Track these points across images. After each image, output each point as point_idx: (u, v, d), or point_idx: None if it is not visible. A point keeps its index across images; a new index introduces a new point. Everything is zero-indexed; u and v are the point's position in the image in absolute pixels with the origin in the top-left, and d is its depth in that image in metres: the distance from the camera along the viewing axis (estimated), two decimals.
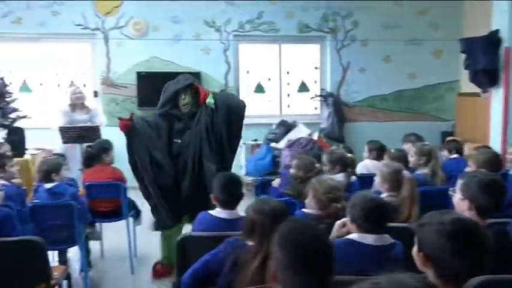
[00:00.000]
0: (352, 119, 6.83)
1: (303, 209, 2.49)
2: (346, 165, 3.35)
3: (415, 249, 1.42)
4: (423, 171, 3.46)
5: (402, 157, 3.57)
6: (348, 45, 6.77)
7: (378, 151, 4.10)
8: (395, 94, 6.89)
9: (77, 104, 5.40)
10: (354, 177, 3.40)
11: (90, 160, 4.23)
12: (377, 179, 2.82)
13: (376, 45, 6.74)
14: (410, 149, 3.91)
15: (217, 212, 2.41)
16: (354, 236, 1.97)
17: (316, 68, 6.98)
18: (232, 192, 2.41)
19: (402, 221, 2.47)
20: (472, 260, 1.32)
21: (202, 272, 1.92)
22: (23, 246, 2.49)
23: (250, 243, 1.84)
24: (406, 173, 2.80)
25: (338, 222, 2.12)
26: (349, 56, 6.78)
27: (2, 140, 5.12)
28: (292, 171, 3.16)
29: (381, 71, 6.79)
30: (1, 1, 6.17)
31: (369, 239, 1.93)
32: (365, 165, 4.11)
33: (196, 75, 6.47)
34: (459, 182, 2.12)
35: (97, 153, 4.15)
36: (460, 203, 2.08)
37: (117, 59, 6.49)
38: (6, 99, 5.76)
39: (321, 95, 6.87)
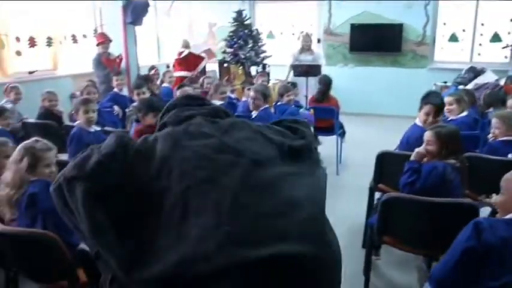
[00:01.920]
0: None
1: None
2: None
3: None
4: None
5: None
6: None
7: None
8: None
9: (305, 47, 7.34)
10: None
11: (322, 93, 5.36)
12: None
13: None
14: None
15: None
16: None
17: (511, 20, 7.70)
18: None
19: None
20: None
21: None
22: None
23: None
24: None
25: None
26: None
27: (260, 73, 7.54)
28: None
29: None
30: None
31: None
32: None
33: (399, 26, 7.99)
34: None
35: (326, 88, 5.36)
36: None
37: (337, 13, 8.38)
38: (258, 43, 8.26)
39: None
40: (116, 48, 6.71)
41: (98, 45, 6.41)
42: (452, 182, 2.41)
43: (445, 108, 3.83)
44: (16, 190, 2.13)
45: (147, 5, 7.14)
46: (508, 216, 1.73)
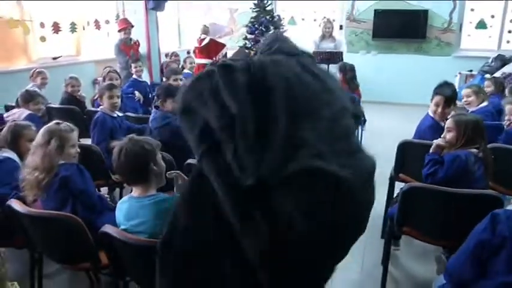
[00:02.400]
0: None
1: None
2: None
3: None
4: None
5: None
6: None
7: None
8: None
9: (326, 34, 7.24)
10: None
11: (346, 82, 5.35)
12: None
13: None
14: None
15: None
16: None
17: None
18: None
19: None
20: None
21: None
22: None
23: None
24: None
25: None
26: None
27: None
28: None
29: None
30: None
31: None
32: None
33: (424, 12, 7.79)
34: None
35: (347, 72, 5.44)
36: None
37: None
38: (280, 29, 8.18)
39: None
40: (138, 34, 6.75)
41: (119, 31, 6.46)
42: (475, 173, 2.37)
43: (463, 100, 3.92)
44: (46, 173, 2.15)
45: None
46: None
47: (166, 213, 1.75)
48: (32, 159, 2.21)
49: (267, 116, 0.97)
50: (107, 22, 7.05)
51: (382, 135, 5.83)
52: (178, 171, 2.05)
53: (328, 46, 7.03)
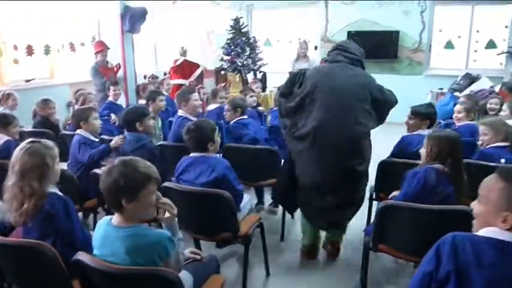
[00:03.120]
0: None
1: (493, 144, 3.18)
2: None
3: None
4: None
5: None
6: None
7: None
8: None
9: (301, 54, 7.32)
10: None
11: None
12: None
13: None
14: None
15: None
16: None
17: (506, 26, 7.77)
18: None
19: None
20: None
21: None
22: (267, 152, 3.61)
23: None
24: None
25: None
26: None
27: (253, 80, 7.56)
28: None
29: None
30: None
31: None
32: None
33: (395, 33, 8.05)
34: None
35: None
36: None
37: (334, 21, 8.44)
38: (256, 51, 8.30)
39: (508, 52, 7.71)
40: (114, 57, 6.73)
41: (96, 53, 6.42)
42: (438, 188, 2.38)
43: (454, 115, 4.09)
44: (36, 200, 1.99)
45: (145, 12, 7.18)
46: (482, 232, 1.47)
47: (140, 250, 1.67)
48: (17, 186, 2.02)
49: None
50: (82, 44, 7.02)
51: None
52: (164, 201, 1.85)
53: (302, 66, 7.04)
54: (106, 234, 1.75)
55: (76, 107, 4.70)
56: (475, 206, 1.55)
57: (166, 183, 2.55)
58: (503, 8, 7.73)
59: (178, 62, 7.39)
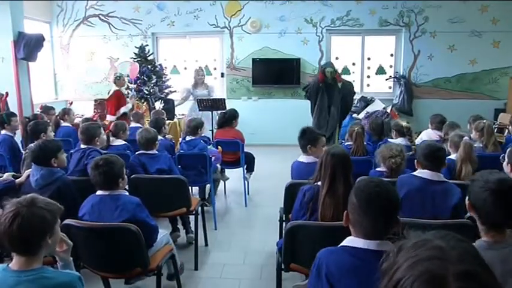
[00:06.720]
0: (420, 97, 8.44)
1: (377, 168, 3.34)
2: (403, 132, 4.47)
3: (467, 198, 1.71)
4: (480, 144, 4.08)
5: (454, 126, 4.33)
6: (419, 37, 8.35)
7: (439, 123, 4.85)
8: (457, 77, 8.37)
9: (199, 81, 7.22)
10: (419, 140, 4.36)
11: (222, 123, 5.33)
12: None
13: (442, 36, 8.25)
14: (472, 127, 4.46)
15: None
16: (416, 172, 2.69)
17: (391, 55, 8.67)
18: None
19: (458, 176, 3.12)
20: (508, 212, 1.54)
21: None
22: (176, 182, 3.53)
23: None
24: (466, 138, 3.40)
25: None
26: (419, 45, 8.36)
27: (160, 108, 7.45)
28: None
29: (446, 58, 8.29)
30: (161, 10, 8.65)
31: (426, 174, 2.62)
32: (427, 133, 5.01)
33: (297, 60, 8.54)
34: (508, 150, 2.70)
35: (229, 118, 5.26)
36: (505, 166, 2.65)
37: (239, 49, 8.71)
38: (163, 79, 8.20)
39: (395, 77, 8.58)
40: (8, 86, 6.25)
41: None
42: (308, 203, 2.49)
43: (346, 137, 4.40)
44: None
45: (42, 39, 6.80)
46: (346, 242, 1.60)
47: None
48: None
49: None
50: None
51: (268, 176, 6.13)
52: (62, 234, 1.81)
53: (203, 93, 7.09)
54: (3, 282, 1.57)
55: None
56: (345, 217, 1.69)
57: (67, 221, 2.37)
58: (389, 38, 8.63)
59: (109, 94, 6.82)
